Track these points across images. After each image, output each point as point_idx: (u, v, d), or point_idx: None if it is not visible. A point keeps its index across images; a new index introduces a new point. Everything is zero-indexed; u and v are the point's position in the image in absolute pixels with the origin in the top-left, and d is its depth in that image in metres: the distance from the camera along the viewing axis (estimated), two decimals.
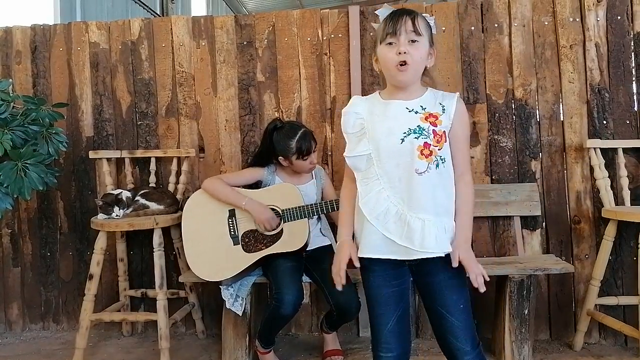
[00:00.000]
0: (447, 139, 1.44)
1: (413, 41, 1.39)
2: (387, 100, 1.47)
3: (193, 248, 2.21)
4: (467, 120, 1.51)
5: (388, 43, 1.40)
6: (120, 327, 2.73)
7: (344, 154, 1.49)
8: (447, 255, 1.40)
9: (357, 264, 1.47)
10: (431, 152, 1.40)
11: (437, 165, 1.41)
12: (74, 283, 2.79)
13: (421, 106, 1.44)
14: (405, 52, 1.37)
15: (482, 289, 1.36)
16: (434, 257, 1.39)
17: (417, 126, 1.40)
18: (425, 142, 1.39)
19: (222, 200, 2.20)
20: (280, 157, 2.22)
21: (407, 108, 1.44)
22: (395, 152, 1.40)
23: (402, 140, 1.40)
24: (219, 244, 2.18)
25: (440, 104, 1.45)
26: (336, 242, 1.63)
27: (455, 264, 1.38)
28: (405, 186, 1.40)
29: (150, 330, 2.72)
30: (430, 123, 1.41)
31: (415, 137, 1.39)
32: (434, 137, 1.40)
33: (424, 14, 1.46)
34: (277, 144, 2.21)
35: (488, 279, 1.39)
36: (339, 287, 1.50)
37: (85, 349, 2.37)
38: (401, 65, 1.38)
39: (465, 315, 1.41)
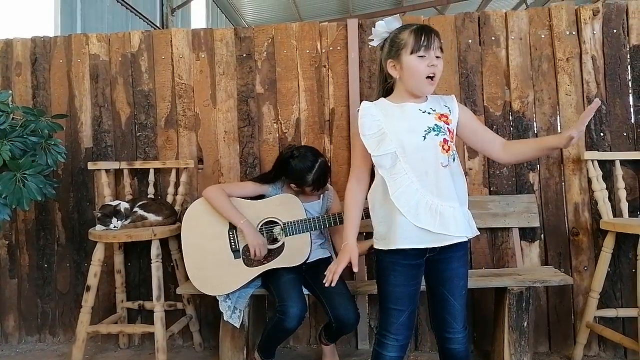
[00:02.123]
0: (455, 136, 1.63)
1: (437, 57, 1.57)
2: (400, 103, 1.61)
3: (194, 260, 2.20)
4: (469, 110, 1.73)
5: (420, 56, 1.54)
6: (117, 340, 2.71)
7: (372, 154, 1.59)
8: (461, 246, 1.59)
9: (356, 269, 1.64)
10: (449, 147, 1.58)
11: (454, 159, 1.60)
12: (71, 295, 2.77)
13: (431, 108, 1.62)
14: (434, 65, 1.55)
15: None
16: (452, 247, 1.56)
17: (435, 124, 1.58)
18: (444, 138, 1.57)
19: (219, 213, 2.19)
20: (292, 185, 2.21)
21: (420, 109, 1.61)
22: (419, 148, 1.55)
23: (424, 137, 1.56)
24: (220, 257, 2.17)
25: (445, 106, 1.65)
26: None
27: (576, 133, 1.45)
28: (433, 179, 1.54)
29: (147, 342, 2.70)
30: (444, 122, 1.60)
31: (436, 134, 1.57)
32: (449, 134, 1.59)
33: None
34: (292, 173, 2.17)
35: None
36: (327, 284, 1.63)
37: None
38: (431, 78, 1.56)
39: (464, 301, 1.63)
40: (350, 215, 1.67)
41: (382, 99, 1.67)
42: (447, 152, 1.56)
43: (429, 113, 1.59)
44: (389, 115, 1.60)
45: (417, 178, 1.54)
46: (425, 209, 1.52)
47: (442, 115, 1.60)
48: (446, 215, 1.53)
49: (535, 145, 1.65)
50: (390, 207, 1.55)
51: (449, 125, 1.60)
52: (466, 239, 1.58)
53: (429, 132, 1.56)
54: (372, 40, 1.70)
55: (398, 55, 1.58)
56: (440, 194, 1.54)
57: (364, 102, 1.66)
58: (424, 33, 1.55)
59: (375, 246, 1.64)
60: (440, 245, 1.55)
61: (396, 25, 1.64)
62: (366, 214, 2.06)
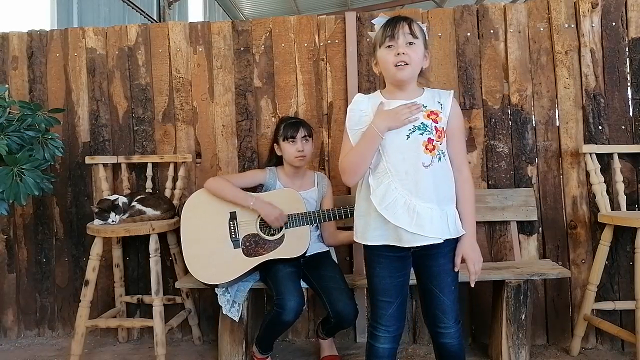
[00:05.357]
0: (445, 134, 1.58)
1: (410, 43, 1.54)
2: (390, 100, 1.58)
3: (192, 250, 2.19)
4: (461, 115, 1.67)
5: (387, 46, 1.54)
6: (116, 334, 2.72)
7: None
8: (448, 241, 1.56)
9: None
10: (434, 146, 1.55)
11: (440, 159, 1.56)
12: (69, 289, 2.77)
13: (422, 104, 1.57)
14: (404, 53, 1.52)
15: (472, 284, 1.63)
16: (437, 244, 1.54)
17: (421, 123, 1.55)
18: (429, 138, 1.54)
19: (228, 200, 2.17)
20: (275, 145, 2.27)
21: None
22: (402, 147, 1.54)
23: (408, 136, 1.54)
24: (220, 246, 2.16)
25: (439, 102, 1.59)
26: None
27: (458, 262, 1.59)
28: (413, 178, 1.53)
29: (146, 336, 2.71)
30: (432, 120, 1.56)
31: (420, 134, 1.54)
32: (435, 133, 1.55)
33: (417, 21, 1.60)
34: (276, 132, 2.30)
35: (472, 286, 1.65)
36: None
37: (80, 356, 2.36)
38: (400, 64, 1.52)
39: (454, 296, 1.62)
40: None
41: (378, 91, 1.68)
42: (430, 152, 1.54)
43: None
44: (377, 112, 1.59)
45: (397, 177, 1.53)
46: (403, 208, 1.52)
47: (431, 112, 1.57)
48: (423, 216, 1.51)
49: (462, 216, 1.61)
50: (370, 203, 1.56)
51: (437, 123, 1.56)
52: (441, 241, 1.54)
53: (413, 131, 1.54)
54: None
55: (374, 53, 1.61)
56: (419, 194, 1.52)
57: (357, 96, 1.68)
58: (390, 23, 1.56)
59: (354, 239, 1.67)
60: (415, 245, 1.54)
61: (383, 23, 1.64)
62: (352, 212, 2.10)
